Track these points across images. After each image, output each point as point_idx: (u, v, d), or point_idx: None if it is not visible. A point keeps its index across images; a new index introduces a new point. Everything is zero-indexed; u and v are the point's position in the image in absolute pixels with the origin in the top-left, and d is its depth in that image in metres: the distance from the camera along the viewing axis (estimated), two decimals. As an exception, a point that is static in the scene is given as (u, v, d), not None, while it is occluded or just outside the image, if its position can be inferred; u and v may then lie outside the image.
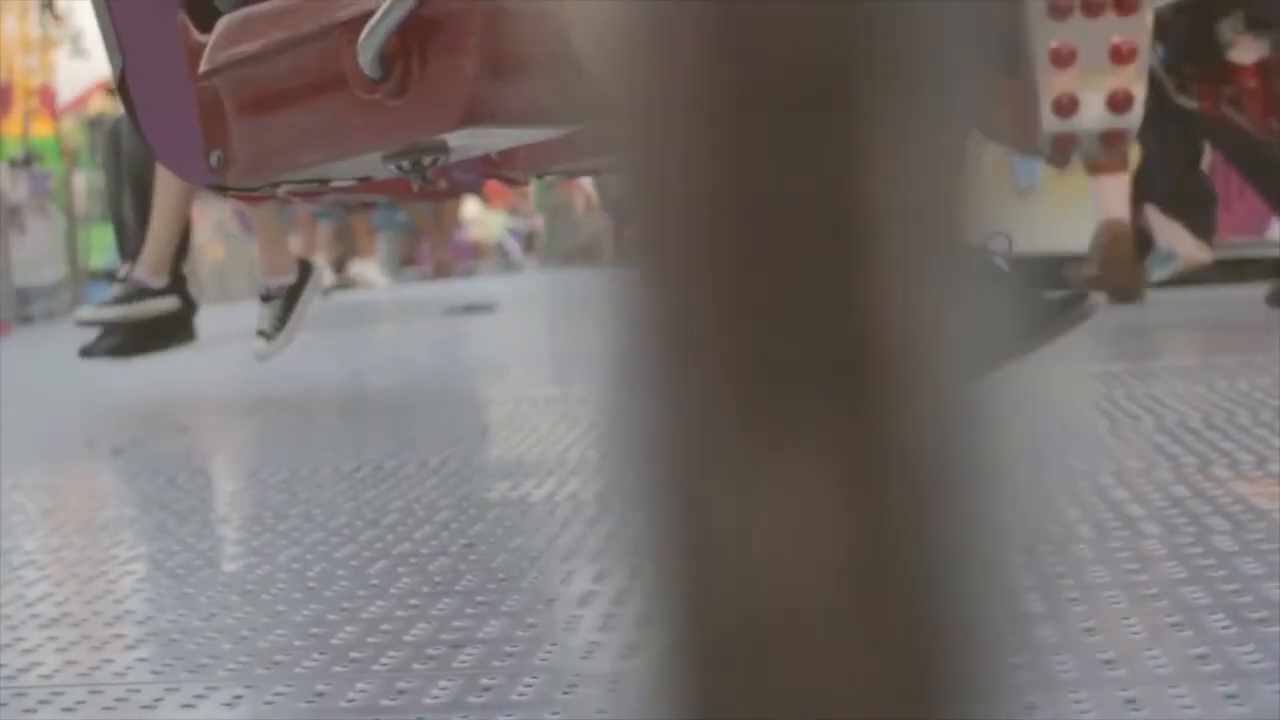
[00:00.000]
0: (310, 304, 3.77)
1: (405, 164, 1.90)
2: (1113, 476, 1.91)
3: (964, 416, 0.34)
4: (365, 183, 2.22)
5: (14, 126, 10.93)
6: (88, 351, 3.75)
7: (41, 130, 11.35)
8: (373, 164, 1.98)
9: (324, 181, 2.13)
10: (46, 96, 11.55)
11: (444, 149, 1.88)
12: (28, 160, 9.81)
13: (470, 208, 11.55)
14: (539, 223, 13.99)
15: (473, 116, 1.78)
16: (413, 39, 1.80)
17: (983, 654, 0.34)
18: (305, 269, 3.75)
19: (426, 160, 1.89)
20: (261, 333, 3.70)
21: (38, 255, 9.37)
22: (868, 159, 0.33)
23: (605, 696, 1.19)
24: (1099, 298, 1.86)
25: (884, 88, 0.33)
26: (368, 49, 1.81)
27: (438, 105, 1.80)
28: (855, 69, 0.33)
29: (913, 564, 0.33)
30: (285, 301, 3.70)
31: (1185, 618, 1.29)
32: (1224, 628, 1.25)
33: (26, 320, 8.79)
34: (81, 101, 12.13)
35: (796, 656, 0.34)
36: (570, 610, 1.46)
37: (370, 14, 1.81)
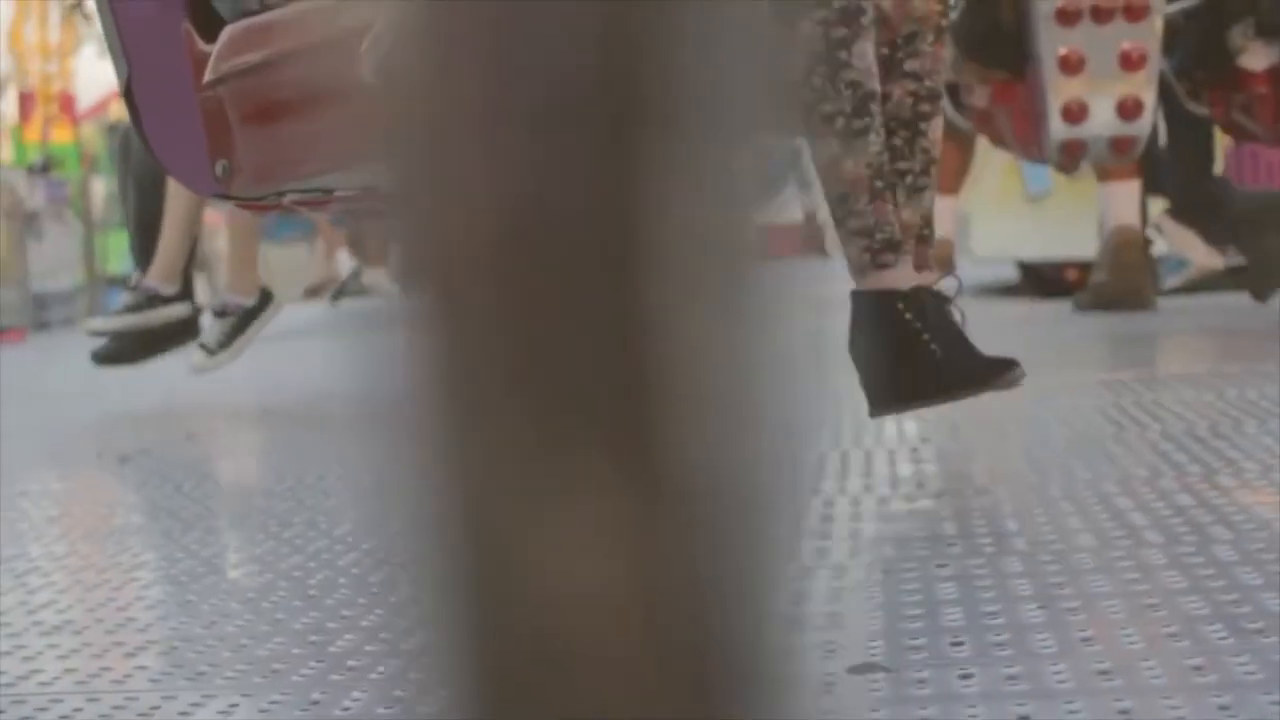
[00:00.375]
0: (261, 331, 3.76)
1: (409, 173, 1.90)
2: (1117, 484, 1.90)
3: (745, 442, 0.34)
4: (372, 192, 2.22)
5: (34, 133, 10.97)
6: (98, 357, 3.78)
7: (61, 136, 11.39)
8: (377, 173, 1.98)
9: (329, 190, 2.14)
10: (66, 103, 11.59)
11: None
12: (45, 167, 9.85)
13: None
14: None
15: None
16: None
17: (759, 672, 0.34)
18: (265, 296, 3.75)
19: (430, 169, 1.89)
20: (204, 346, 3.69)
21: (55, 261, 9.40)
22: (647, 181, 0.33)
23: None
24: (1023, 372, 1.90)
25: (663, 109, 0.33)
26: (370, 60, 1.81)
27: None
28: (633, 90, 0.33)
29: (693, 587, 0.34)
30: (238, 322, 3.70)
31: (1183, 628, 1.29)
32: (1221, 638, 1.25)
33: (43, 326, 8.82)
34: (101, 107, 12.16)
35: (581, 674, 0.34)
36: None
37: (373, 25, 1.82)
